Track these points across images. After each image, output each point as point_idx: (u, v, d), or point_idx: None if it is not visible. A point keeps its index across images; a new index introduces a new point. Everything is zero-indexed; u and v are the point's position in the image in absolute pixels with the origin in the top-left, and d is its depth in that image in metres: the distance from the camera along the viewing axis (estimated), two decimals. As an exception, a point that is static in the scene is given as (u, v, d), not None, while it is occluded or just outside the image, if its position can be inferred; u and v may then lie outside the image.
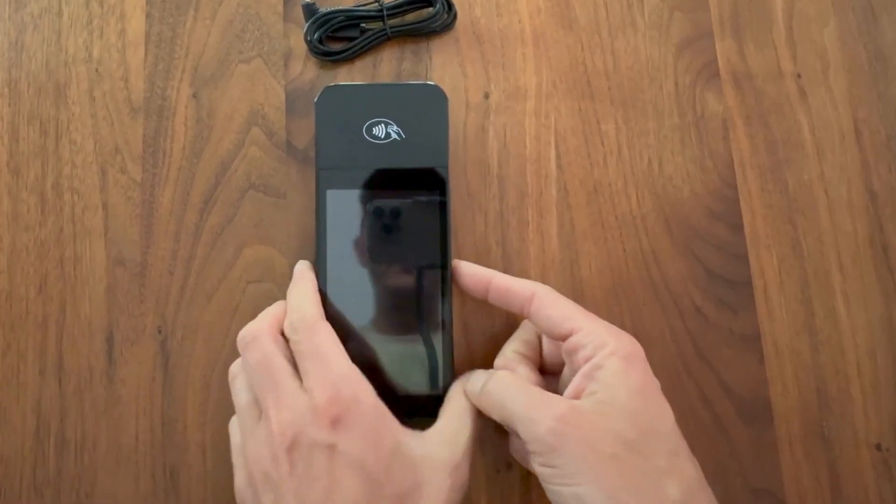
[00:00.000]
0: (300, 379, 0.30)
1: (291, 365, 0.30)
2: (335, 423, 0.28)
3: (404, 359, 0.33)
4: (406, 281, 0.33)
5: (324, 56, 0.39)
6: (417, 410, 0.32)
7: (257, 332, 0.30)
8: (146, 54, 0.39)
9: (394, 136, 0.34)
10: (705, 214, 0.38)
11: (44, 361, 0.36)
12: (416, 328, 0.33)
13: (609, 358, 0.29)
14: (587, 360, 0.30)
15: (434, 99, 0.35)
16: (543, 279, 0.37)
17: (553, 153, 0.39)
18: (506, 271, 0.35)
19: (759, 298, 0.37)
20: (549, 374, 0.34)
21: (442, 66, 0.40)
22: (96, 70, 0.39)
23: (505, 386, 0.30)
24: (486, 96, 0.39)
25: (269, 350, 0.30)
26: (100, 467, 0.36)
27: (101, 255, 0.37)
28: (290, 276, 0.35)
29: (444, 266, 0.33)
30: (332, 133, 0.34)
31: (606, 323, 0.31)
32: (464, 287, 0.34)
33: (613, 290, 0.37)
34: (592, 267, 0.38)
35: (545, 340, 0.34)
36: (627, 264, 0.38)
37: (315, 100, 0.35)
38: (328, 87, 0.35)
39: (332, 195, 0.34)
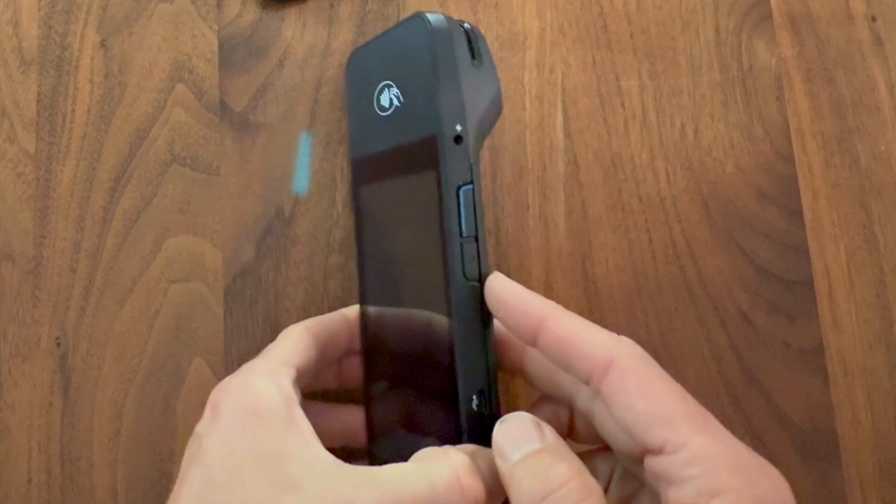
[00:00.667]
0: None
1: None
2: (211, 410, 0.26)
3: (427, 410, 0.28)
4: (422, 301, 0.28)
5: (267, -8, 0.36)
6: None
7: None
8: None
9: (395, 102, 0.29)
10: (754, 196, 0.36)
11: None
12: (437, 364, 0.27)
13: None
14: None
15: (418, 36, 0.28)
16: (548, 277, 0.35)
17: (560, 118, 0.36)
18: (498, 268, 0.30)
19: (823, 303, 0.35)
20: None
21: (417, 5, 0.37)
22: None
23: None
24: None
25: None
26: (-20, 518, 0.34)
27: None
28: (224, 275, 0.34)
29: (459, 274, 0.27)
30: (355, 111, 0.31)
31: (730, 438, 0.22)
32: (500, 320, 0.26)
33: (637, 292, 0.35)
34: (610, 262, 0.35)
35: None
36: (654, 259, 0.35)
37: (345, 68, 0.32)
38: (352, 54, 0.32)
39: (361, 192, 0.31)
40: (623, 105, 0.36)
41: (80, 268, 0.35)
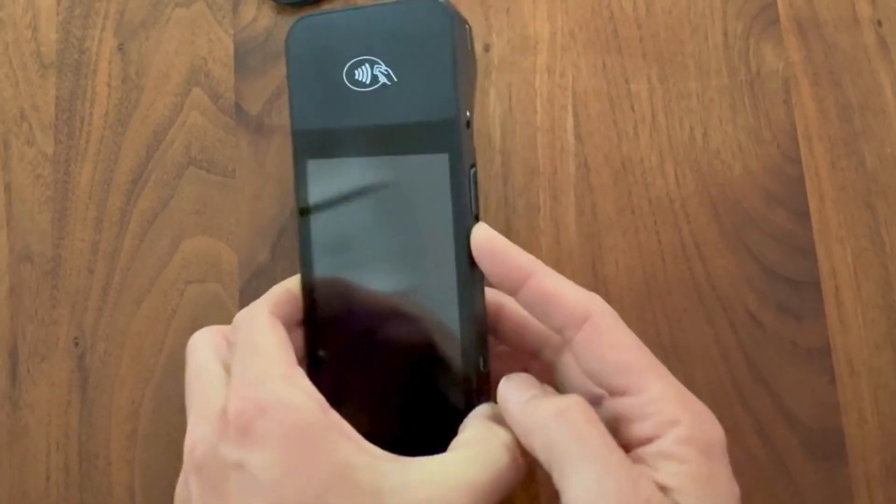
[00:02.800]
0: None
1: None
2: (244, 433, 0.23)
3: (415, 379, 0.28)
4: (414, 275, 0.28)
5: (283, -2, 0.36)
6: (434, 442, 0.26)
7: (196, 338, 0.28)
8: None
9: (382, 79, 0.28)
10: (762, 198, 0.35)
11: (-73, 383, 0.35)
12: (431, 333, 0.28)
13: (683, 447, 0.23)
14: (647, 439, 0.24)
15: (433, 21, 0.28)
16: None
17: (570, 121, 0.36)
18: None
19: (830, 303, 0.35)
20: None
21: None
22: None
23: (573, 430, 0.24)
24: (487, 49, 0.37)
25: (202, 356, 0.27)
26: (0, 516, 0.34)
27: (3, 248, 0.36)
28: (239, 276, 0.34)
29: (462, 259, 0.28)
30: (309, 82, 0.29)
31: (679, 385, 0.25)
32: (484, 269, 0.27)
33: (646, 293, 0.35)
34: (620, 263, 0.35)
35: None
36: (664, 260, 0.35)
37: (285, 37, 0.30)
38: (301, 19, 0.29)
39: (314, 167, 0.29)
40: (633, 108, 0.36)
41: (97, 268, 0.35)
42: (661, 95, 0.36)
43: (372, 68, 0.28)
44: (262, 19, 0.37)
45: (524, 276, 0.26)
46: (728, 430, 0.30)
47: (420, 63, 0.28)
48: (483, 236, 0.27)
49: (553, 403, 0.24)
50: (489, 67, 0.36)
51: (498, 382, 0.27)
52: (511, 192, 0.35)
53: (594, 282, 0.35)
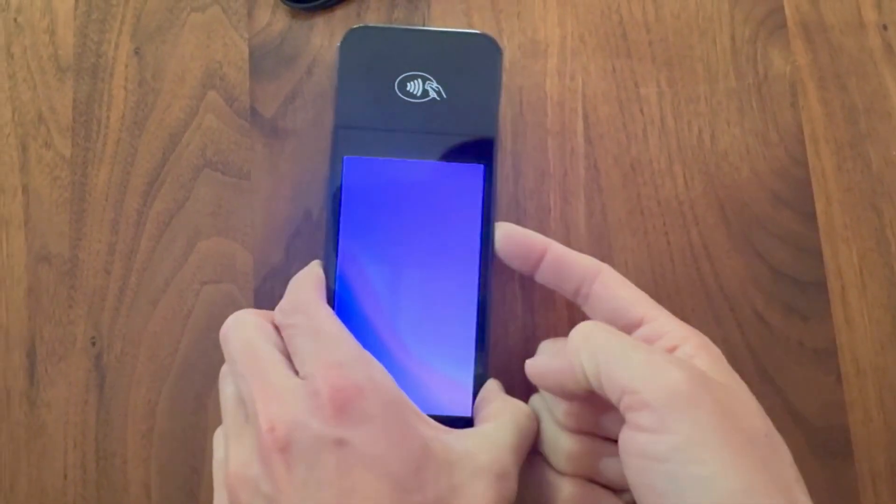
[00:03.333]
0: (296, 371, 0.27)
1: (285, 357, 0.27)
2: (342, 411, 0.25)
3: (424, 374, 0.31)
4: (437, 271, 0.31)
5: (296, 2, 0.36)
6: (449, 421, 0.30)
7: (238, 318, 0.28)
8: (77, 0, 0.37)
9: (432, 94, 0.32)
10: (769, 199, 0.36)
11: (-53, 381, 0.35)
12: (449, 327, 0.31)
13: (700, 351, 0.27)
14: (673, 349, 0.27)
15: (485, 53, 0.32)
16: None
17: (580, 124, 0.36)
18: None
19: (836, 303, 0.35)
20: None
21: (442, 15, 0.37)
22: (14, 20, 0.38)
23: (605, 336, 0.27)
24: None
25: (251, 335, 0.27)
26: (18, 513, 0.34)
27: (21, 249, 0.36)
28: (254, 276, 0.34)
29: (485, 255, 0.31)
30: (357, 85, 0.32)
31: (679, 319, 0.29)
32: (507, 255, 0.31)
33: (655, 293, 0.33)
34: (629, 264, 0.35)
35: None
36: (673, 261, 0.35)
37: (339, 43, 0.33)
38: (355, 29, 0.32)
39: (350, 163, 0.31)
40: (642, 111, 0.36)
41: (114, 269, 0.35)
42: (669, 99, 0.36)
43: (424, 83, 0.32)
44: (277, 23, 0.37)
45: (542, 250, 0.30)
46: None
47: (469, 86, 0.31)
48: (506, 228, 0.31)
49: (576, 332, 0.28)
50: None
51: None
52: (522, 194, 0.35)
53: (604, 282, 0.34)
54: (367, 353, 0.27)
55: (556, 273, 0.30)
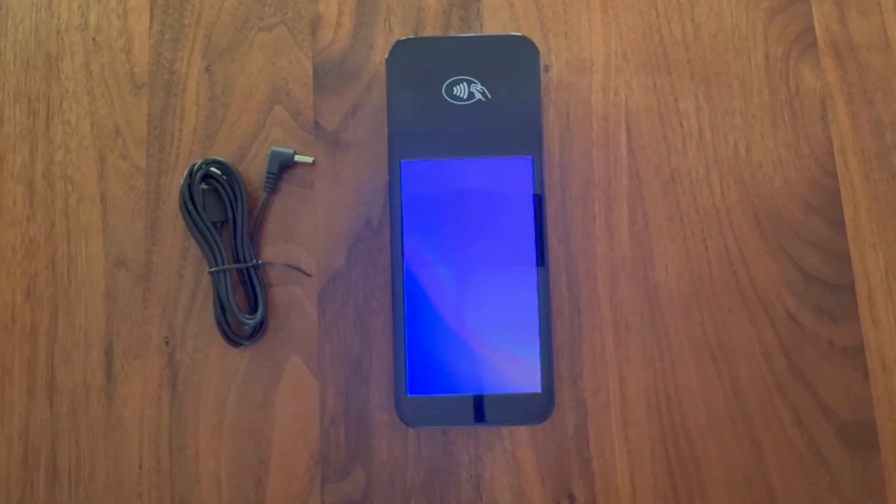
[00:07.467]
0: None
1: None
2: None
3: (495, 356, 0.32)
4: (496, 260, 0.32)
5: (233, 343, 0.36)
6: (516, 414, 0.32)
7: None
8: (151, 21, 0.38)
9: (478, 96, 0.33)
10: (800, 207, 0.36)
11: (32, 378, 0.35)
12: (508, 322, 0.32)
13: None
14: None
15: (523, 53, 0.33)
16: (612, 281, 0.35)
17: (624, 136, 0.36)
18: (568, 272, 0.34)
19: (863, 305, 0.35)
20: None
21: (495, 32, 0.37)
22: (93, 39, 0.38)
23: None
24: (546, 70, 0.37)
25: None
26: (97, 501, 0.34)
27: (99, 254, 0.36)
28: (317, 279, 0.34)
29: (540, 239, 0.32)
30: (407, 94, 0.33)
31: None
32: None
33: (694, 296, 0.35)
34: (669, 268, 0.35)
35: None
36: (710, 265, 0.35)
37: (386, 55, 0.34)
38: (400, 41, 0.33)
39: (407, 166, 0.32)
40: (681, 125, 0.37)
41: (186, 273, 0.35)
42: (707, 113, 0.37)
43: (469, 86, 0.33)
44: (339, 42, 0.37)
45: None
46: (769, 422, 0.34)
47: (511, 85, 0.32)
48: None
49: None
50: (548, 87, 0.37)
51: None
52: (569, 202, 0.36)
53: (645, 285, 0.35)
54: None
55: None
